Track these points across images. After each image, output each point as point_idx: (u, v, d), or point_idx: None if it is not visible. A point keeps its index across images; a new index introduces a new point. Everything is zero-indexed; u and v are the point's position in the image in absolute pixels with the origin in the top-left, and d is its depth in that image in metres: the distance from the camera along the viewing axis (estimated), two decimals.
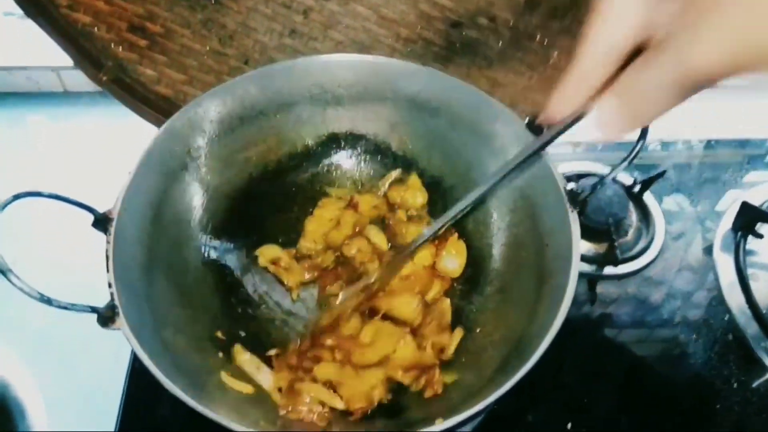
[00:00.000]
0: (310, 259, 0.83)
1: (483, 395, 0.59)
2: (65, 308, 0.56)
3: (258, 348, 0.74)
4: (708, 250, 0.97)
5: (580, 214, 0.70)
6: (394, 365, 0.70)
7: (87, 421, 0.80)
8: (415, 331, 0.74)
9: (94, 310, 0.57)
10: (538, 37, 0.91)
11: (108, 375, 0.83)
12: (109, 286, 0.60)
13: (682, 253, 0.98)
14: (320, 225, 0.85)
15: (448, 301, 0.79)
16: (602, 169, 1.03)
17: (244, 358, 0.71)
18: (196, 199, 0.79)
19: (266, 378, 0.70)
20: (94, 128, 1.15)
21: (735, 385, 0.84)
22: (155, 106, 0.90)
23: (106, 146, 1.10)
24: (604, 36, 0.39)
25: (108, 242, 0.63)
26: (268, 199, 0.87)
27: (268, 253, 0.83)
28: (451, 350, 0.74)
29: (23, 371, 0.86)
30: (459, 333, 0.76)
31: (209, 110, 0.78)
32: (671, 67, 0.34)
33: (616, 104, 0.39)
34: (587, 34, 0.40)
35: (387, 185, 0.89)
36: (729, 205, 1.02)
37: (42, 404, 0.83)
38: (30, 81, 1.19)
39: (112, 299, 0.59)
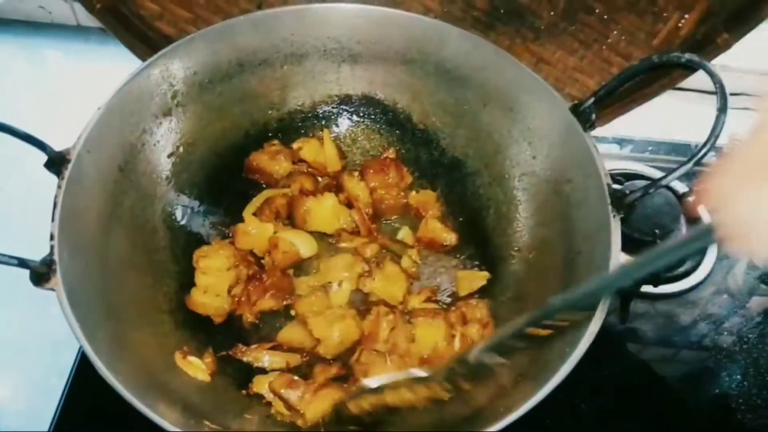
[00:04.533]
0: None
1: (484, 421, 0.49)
2: None
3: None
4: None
5: (622, 221, 0.58)
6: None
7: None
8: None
9: (23, 263, 0.48)
10: (597, 9, 0.78)
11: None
12: (51, 238, 0.51)
13: (730, 276, 0.85)
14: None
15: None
16: (654, 173, 0.90)
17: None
18: (177, 149, 0.69)
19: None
20: (101, 68, 1.07)
21: None
22: (153, 45, 0.79)
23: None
24: None
25: (59, 186, 0.54)
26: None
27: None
28: None
29: None
30: None
31: (204, 50, 0.68)
32: None
33: None
34: None
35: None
36: None
37: None
38: (42, 11, 1.12)
39: (51, 253, 0.50)
